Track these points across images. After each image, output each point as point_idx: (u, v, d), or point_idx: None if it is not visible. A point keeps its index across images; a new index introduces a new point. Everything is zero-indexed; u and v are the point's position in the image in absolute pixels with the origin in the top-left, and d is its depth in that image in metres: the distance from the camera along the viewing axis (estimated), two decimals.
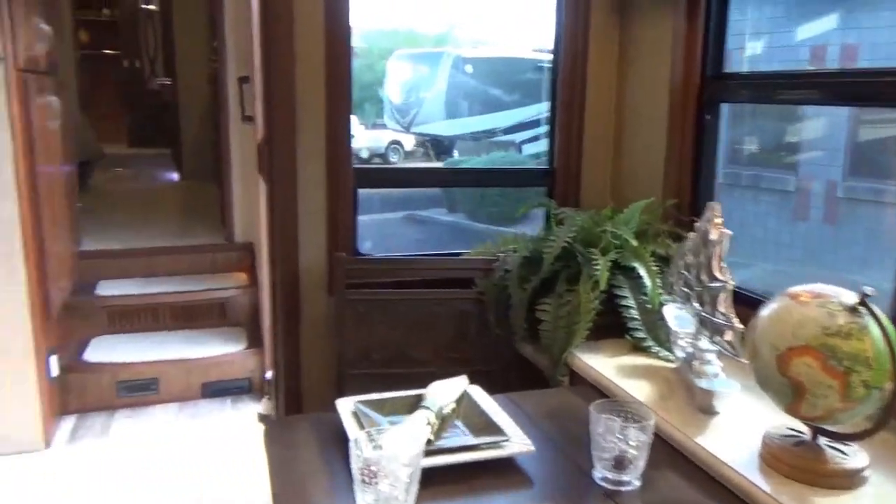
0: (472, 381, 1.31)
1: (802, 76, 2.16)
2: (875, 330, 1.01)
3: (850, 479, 1.07)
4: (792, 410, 1.08)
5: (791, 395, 1.05)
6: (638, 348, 1.62)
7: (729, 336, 1.29)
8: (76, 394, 2.86)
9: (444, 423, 1.20)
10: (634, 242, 1.69)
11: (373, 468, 0.90)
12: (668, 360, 1.56)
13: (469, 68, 8.00)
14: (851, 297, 1.04)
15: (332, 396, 1.89)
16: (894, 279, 1.51)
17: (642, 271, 1.64)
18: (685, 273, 1.44)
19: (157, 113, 7.24)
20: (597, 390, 1.50)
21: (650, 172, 2.02)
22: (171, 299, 3.27)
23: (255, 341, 3.17)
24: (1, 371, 2.47)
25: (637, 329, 1.62)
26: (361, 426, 1.15)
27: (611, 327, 1.66)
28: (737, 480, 1.10)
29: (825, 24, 3.07)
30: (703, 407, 1.32)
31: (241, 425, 2.81)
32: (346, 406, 1.23)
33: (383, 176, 2.35)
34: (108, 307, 3.19)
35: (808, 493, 1.05)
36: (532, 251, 1.82)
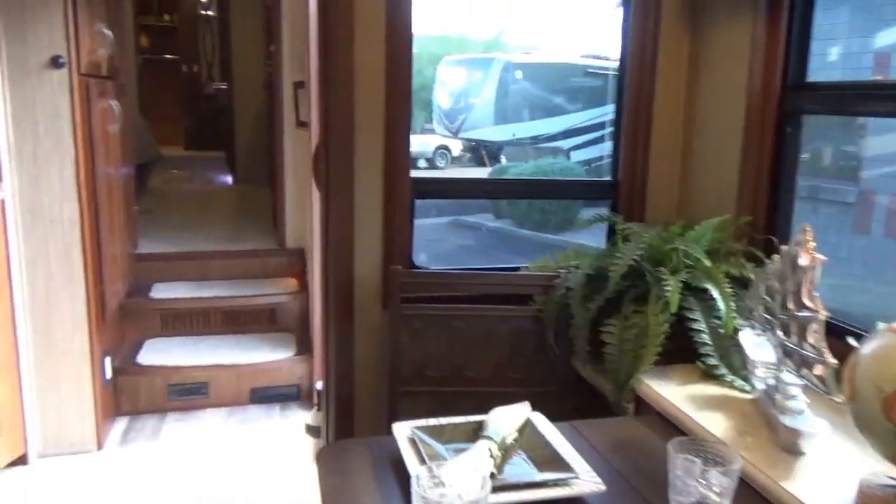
0: (529, 401, 1.24)
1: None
2: None
3: None
4: None
5: None
6: (709, 375, 1.52)
7: (819, 370, 1.17)
8: (128, 396, 2.89)
9: (506, 453, 1.13)
10: (707, 262, 1.59)
11: None
12: (742, 390, 1.45)
13: (519, 74, 7.90)
14: None
15: (383, 412, 1.85)
16: None
17: (716, 293, 1.53)
18: (767, 298, 1.33)
19: (213, 116, 7.40)
20: (666, 421, 1.40)
21: (722, 187, 1.91)
22: (223, 303, 3.29)
23: (303, 348, 3.15)
24: (59, 372, 2.51)
25: (709, 355, 1.52)
26: (419, 454, 1.10)
27: (680, 352, 1.56)
28: None
29: None
30: (788, 446, 1.21)
31: (290, 433, 2.79)
32: (402, 431, 1.18)
33: (442, 186, 2.28)
34: (162, 310, 3.22)
35: None
36: (596, 268, 1.73)
